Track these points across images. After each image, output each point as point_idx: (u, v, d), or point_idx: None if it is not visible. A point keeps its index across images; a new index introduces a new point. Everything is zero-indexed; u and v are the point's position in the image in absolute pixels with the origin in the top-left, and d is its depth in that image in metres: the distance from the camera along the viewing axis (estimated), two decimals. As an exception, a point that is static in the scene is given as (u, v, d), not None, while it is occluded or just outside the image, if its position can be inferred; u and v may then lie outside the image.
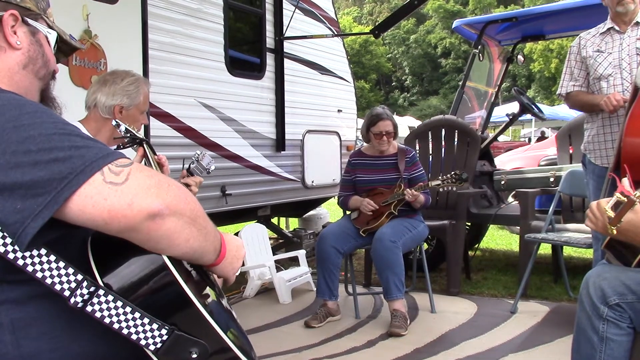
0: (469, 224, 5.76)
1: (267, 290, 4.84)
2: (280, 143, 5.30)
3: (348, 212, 4.27)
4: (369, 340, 3.62)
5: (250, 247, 4.88)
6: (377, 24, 5.70)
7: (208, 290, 1.30)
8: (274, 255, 5.13)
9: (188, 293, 1.09)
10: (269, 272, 4.68)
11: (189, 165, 2.80)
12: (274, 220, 6.40)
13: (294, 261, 5.20)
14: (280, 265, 5.14)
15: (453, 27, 6.29)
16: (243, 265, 4.72)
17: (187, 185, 2.69)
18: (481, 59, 5.86)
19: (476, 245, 5.86)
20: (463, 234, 4.92)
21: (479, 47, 5.75)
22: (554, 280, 4.96)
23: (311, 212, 6.66)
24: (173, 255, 1.08)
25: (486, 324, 3.86)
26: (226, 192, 4.64)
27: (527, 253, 4.37)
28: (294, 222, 7.27)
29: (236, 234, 5.12)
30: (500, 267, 5.73)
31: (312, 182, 5.78)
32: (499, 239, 7.43)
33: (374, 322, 4.02)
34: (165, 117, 4.10)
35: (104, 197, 0.98)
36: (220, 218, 5.00)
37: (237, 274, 1.36)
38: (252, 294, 4.75)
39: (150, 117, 3.92)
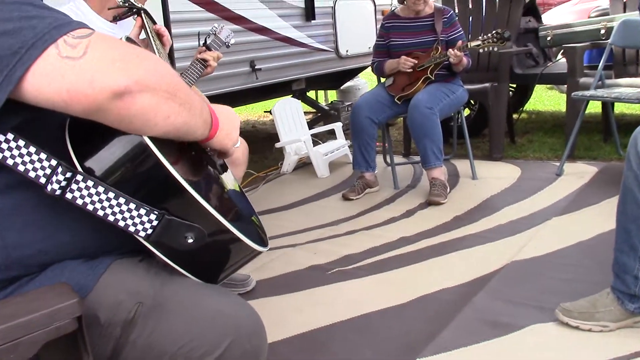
0: (513, 85, 5.48)
1: (305, 165, 4.79)
2: (309, 12, 5.01)
3: (383, 80, 4.08)
4: (407, 210, 3.55)
5: (284, 122, 4.78)
6: None
7: (207, 169, 1.20)
8: (310, 129, 5.02)
9: (174, 174, 0.99)
10: (305, 146, 4.60)
11: (206, 40, 2.65)
12: (310, 94, 6.24)
13: (332, 134, 5.09)
14: (318, 139, 5.04)
15: None
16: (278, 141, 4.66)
17: (205, 61, 2.57)
18: None
19: (521, 108, 5.61)
20: (506, 96, 4.67)
21: None
22: (603, 140, 4.73)
23: (348, 83, 6.46)
24: (153, 135, 0.96)
25: (530, 187, 3.73)
26: (255, 67, 4.46)
27: (574, 112, 4.13)
28: (332, 94, 7.10)
29: (269, 111, 5.02)
30: (546, 129, 5.49)
31: (347, 51, 5.53)
32: (547, 100, 7.12)
33: (413, 191, 3.93)
34: (184, -10, 3.88)
35: (61, 74, 0.85)
36: (252, 95, 4.88)
37: (237, 145, 1.24)
38: (290, 170, 4.71)
39: (168, -9, 3.72)
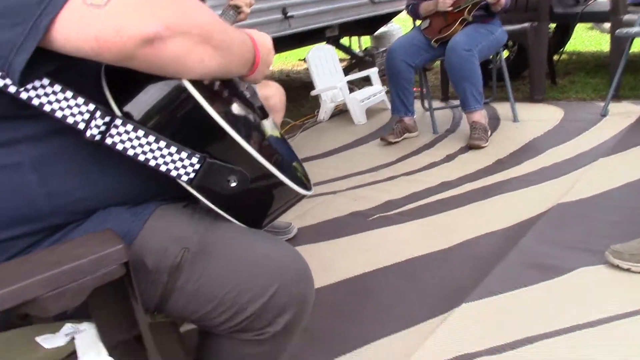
0: (553, 25, 5.28)
1: (342, 113, 4.73)
2: (341, -45, 4.87)
3: (418, 23, 3.95)
4: (447, 155, 3.48)
5: (319, 70, 4.70)
6: None
7: (249, 115, 1.16)
8: (345, 76, 4.93)
9: (214, 116, 0.95)
10: (341, 93, 4.53)
11: (237, -15, 2.59)
12: (344, 40, 6.12)
13: (367, 81, 5.00)
14: (354, 86, 4.96)
15: None
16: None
17: (238, 8, 2.51)
18: None
19: (562, 49, 5.41)
20: (546, 36, 4.50)
21: None
22: (650, 78, 4.56)
23: (382, 29, 6.31)
24: (189, 78, 0.93)
25: (574, 129, 3.61)
26: (288, 14, 4.37)
27: (618, 51, 3.96)
28: (366, 40, 6.96)
29: (304, 59, 4.94)
30: (588, 69, 5.30)
31: (380, -5, 5.38)
32: (588, 40, 6.87)
33: (452, 136, 3.85)
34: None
35: (88, 23, 0.81)
36: (285, 43, 4.79)
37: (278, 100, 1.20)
38: (326, 118, 4.66)
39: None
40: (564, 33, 5.52)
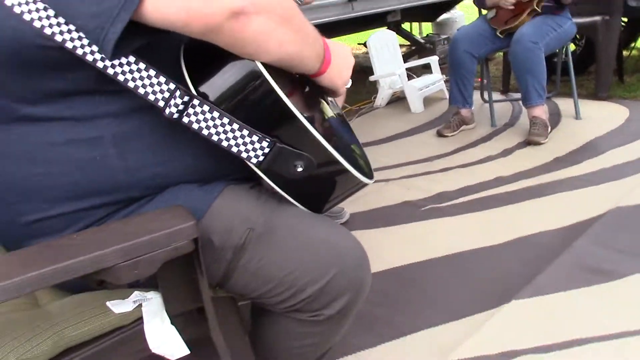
0: (625, 19, 5.11)
1: (399, 100, 4.71)
2: (409, -62, 4.82)
3: (484, 12, 3.89)
4: (505, 149, 3.44)
5: (379, 55, 4.69)
6: None
7: (318, 101, 1.19)
8: (405, 63, 4.90)
9: (287, 102, 0.98)
10: (400, 80, 4.51)
11: (305, -32, 2.60)
12: (406, 26, 6.07)
13: (427, 69, 4.96)
14: (413, 73, 4.93)
15: None
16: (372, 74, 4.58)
17: (305, -11, 2.52)
18: None
19: (632, 44, 5.24)
20: (617, 31, 4.36)
21: None
22: None
23: (444, 16, 6.22)
24: (266, 61, 0.96)
25: (638, 130, 3.51)
26: (352, -2, 4.37)
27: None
28: (428, 27, 6.88)
29: (364, 44, 4.92)
30: (660, 67, 5.13)
31: (445, -19, 5.31)
32: (661, 36, 6.61)
33: (511, 130, 3.80)
34: None
35: None
36: (347, 26, 4.78)
37: (349, 86, 1.22)
38: (383, 104, 4.65)
39: None
40: (635, 28, 5.34)
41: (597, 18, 4.21)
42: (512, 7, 3.57)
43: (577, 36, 4.70)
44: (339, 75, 1.13)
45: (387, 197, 2.88)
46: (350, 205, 2.73)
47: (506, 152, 3.40)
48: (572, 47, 4.80)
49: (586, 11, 4.30)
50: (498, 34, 3.69)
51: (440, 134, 3.77)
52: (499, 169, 3.14)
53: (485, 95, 4.14)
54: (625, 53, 4.95)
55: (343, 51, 1.14)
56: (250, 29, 0.89)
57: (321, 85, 1.14)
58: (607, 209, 2.54)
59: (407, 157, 3.43)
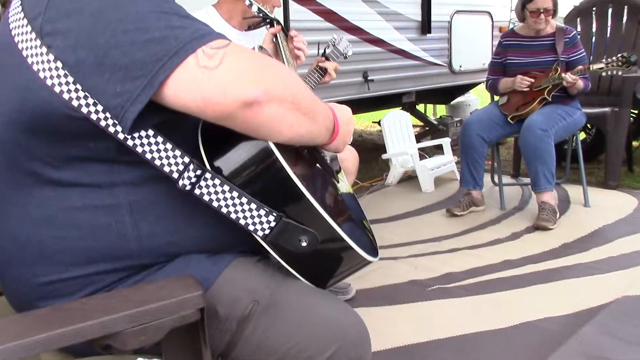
0: (635, 111, 5.21)
1: (410, 178, 4.77)
2: (425, 25, 5.00)
3: (496, 98, 4.00)
4: (513, 233, 3.46)
5: (393, 134, 4.79)
6: None
7: (328, 178, 1.24)
8: (417, 142, 5.00)
9: (295, 180, 1.03)
10: (412, 159, 4.59)
11: (325, 50, 2.71)
12: (420, 107, 6.22)
13: (439, 149, 5.05)
14: (425, 153, 5.01)
15: None
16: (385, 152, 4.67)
17: (324, 70, 2.61)
18: None
19: (642, 135, 5.32)
20: (626, 122, 4.45)
21: None
22: None
23: (459, 99, 6.38)
24: (278, 142, 1.01)
25: (647, 220, 3.54)
26: (368, 78, 4.51)
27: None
28: (441, 109, 7.03)
29: (378, 122, 5.04)
30: (669, 159, 5.18)
31: (460, 66, 5.47)
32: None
33: (520, 214, 3.83)
34: (304, 1, 3.98)
35: (197, 83, 0.91)
36: (363, 104, 4.91)
37: (349, 142, 1.28)
38: (395, 182, 4.71)
39: (290, 1, 3.83)
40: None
41: (607, 109, 4.31)
42: (526, 89, 3.67)
43: (588, 125, 4.79)
44: (342, 143, 1.19)
45: (394, 275, 2.89)
46: (357, 282, 2.74)
47: (514, 236, 3.42)
48: (582, 135, 4.89)
49: (596, 102, 4.41)
50: (509, 119, 3.78)
51: (450, 212, 3.81)
52: (507, 252, 3.16)
53: (496, 179, 4.19)
54: (635, 143, 5.03)
55: (347, 118, 1.20)
56: (262, 116, 0.95)
57: (326, 150, 1.19)
58: (614, 298, 2.54)
59: (416, 236, 3.46)
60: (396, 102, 5.32)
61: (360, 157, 2.54)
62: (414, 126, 5.63)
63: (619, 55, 3.49)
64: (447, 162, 4.75)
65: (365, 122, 7.87)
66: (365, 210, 1.42)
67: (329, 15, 4.18)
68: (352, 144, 2.49)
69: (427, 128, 6.06)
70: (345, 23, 4.30)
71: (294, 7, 3.87)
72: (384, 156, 4.72)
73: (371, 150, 5.67)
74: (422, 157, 4.79)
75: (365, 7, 4.47)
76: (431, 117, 6.41)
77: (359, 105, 4.93)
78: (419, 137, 5.51)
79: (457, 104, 6.50)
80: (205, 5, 2.51)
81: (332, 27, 4.17)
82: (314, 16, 4.07)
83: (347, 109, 1.23)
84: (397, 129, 4.86)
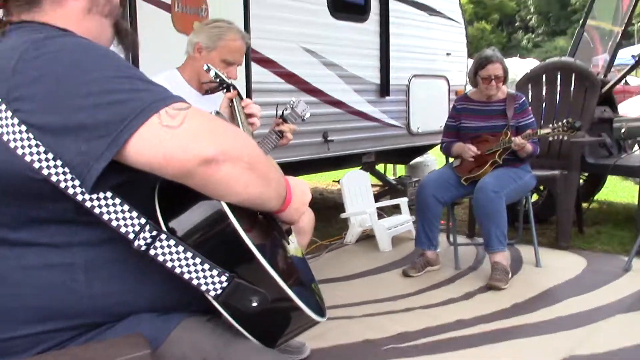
0: (586, 174, 5.42)
1: (368, 237, 4.84)
2: (384, 88, 5.19)
3: (451, 160, 4.14)
4: (466, 292, 3.53)
5: (352, 194, 4.87)
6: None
7: (279, 240, 1.29)
8: (376, 202, 5.10)
9: (247, 242, 1.08)
10: (370, 219, 4.66)
11: (282, 112, 2.79)
12: (379, 167, 6.35)
13: (397, 209, 5.15)
14: (383, 213, 5.10)
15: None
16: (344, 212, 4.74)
17: (282, 133, 2.68)
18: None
19: (592, 197, 5.52)
20: (576, 185, 4.63)
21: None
22: (678, 238, 4.59)
23: (417, 159, 6.55)
24: (232, 202, 1.07)
25: (595, 281, 3.65)
26: (328, 139, 4.63)
27: (647, 207, 4.05)
28: (401, 169, 7.18)
29: (338, 181, 5.13)
30: (617, 221, 5.37)
31: (418, 128, 5.65)
32: (621, 191, 6.95)
33: (474, 273, 3.91)
34: (266, 63, 4.11)
35: (160, 141, 0.98)
36: (323, 164, 5.02)
37: (307, 223, 1.33)
38: (353, 241, 4.77)
39: (252, 63, 3.95)
40: (595, 183, 5.64)
41: (557, 172, 4.48)
42: (472, 159, 3.82)
43: (540, 187, 4.95)
44: (297, 212, 1.25)
45: (349, 335, 2.91)
46: (312, 341, 2.76)
47: (468, 296, 3.49)
48: (534, 197, 5.05)
49: (547, 165, 4.59)
50: (462, 181, 3.91)
51: (405, 274, 3.87)
52: (460, 312, 3.22)
53: (451, 238, 4.29)
54: (585, 205, 5.20)
55: (302, 188, 1.27)
56: (219, 174, 1.01)
57: (280, 219, 1.24)
58: (561, 358, 2.60)
59: (372, 295, 3.50)
60: (356, 161, 5.44)
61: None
62: (373, 185, 5.74)
63: (564, 121, 3.66)
64: (404, 221, 4.84)
65: (326, 180, 7.97)
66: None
67: (290, 77, 4.31)
68: (313, 203, 2.56)
69: (386, 187, 6.18)
70: (306, 85, 4.43)
71: (255, 69, 3.99)
72: (343, 215, 4.80)
73: (331, 209, 5.74)
74: (380, 217, 4.88)
75: (326, 70, 4.62)
76: (390, 177, 6.55)
77: (319, 165, 5.04)
78: (377, 197, 5.61)
79: (416, 164, 6.65)
80: (169, 68, 2.59)
81: (293, 89, 4.30)
82: (275, 78, 4.19)
83: (303, 182, 1.30)
84: (356, 189, 4.95)
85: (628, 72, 6.03)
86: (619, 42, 5.79)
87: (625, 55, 8.09)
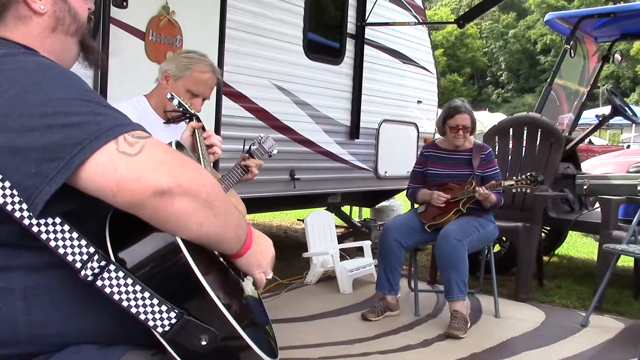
0: (547, 228, 5.49)
1: (330, 278, 4.79)
2: (354, 131, 5.23)
3: (416, 206, 4.15)
4: (425, 340, 3.50)
5: (315, 233, 4.84)
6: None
7: (235, 279, 1.25)
8: (339, 243, 5.07)
9: (199, 278, 1.04)
10: (332, 260, 4.63)
11: (250, 147, 2.78)
12: (345, 208, 6.34)
13: (360, 251, 5.12)
14: (346, 254, 5.08)
15: (545, 20, 6.01)
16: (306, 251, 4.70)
17: (247, 168, 2.66)
18: (572, 55, 5.56)
19: (553, 251, 5.58)
20: (537, 238, 4.68)
21: (571, 43, 5.44)
22: (634, 296, 4.65)
23: (383, 203, 6.57)
24: (185, 238, 1.03)
25: (552, 335, 3.65)
26: (295, 177, 4.62)
27: (605, 264, 4.10)
28: (367, 211, 7.19)
29: (302, 220, 5.10)
30: (577, 276, 5.43)
31: (385, 172, 5.68)
32: (581, 247, 7.06)
33: (433, 321, 3.89)
34: (238, 97, 4.11)
35: (114, 167, 0.95)
36: (288, 202, 5.00)
37: (269, 277, 1.28)
38: (314, 281, 4.72)
39: (223, 97, 3.94)
40: (556, 237, 5.72)
41: (519, 224, 4.53)
42: (442, 205, 3.84)
43: (503, 238, 5.00)
44: (257, 263, 1.20)
45: (303, 377, 2.86)
46: (265, 382, 2.68)
47: (426, 343, 3.45)
48: (497, 247, 5.08)
49: (510, 216, 4.64)
50: (426, 227, 3.92)
51: (364, 318, 3.83)
52: (417, 359, 3.18)
53: (412, 284, 4.27)
54: (545, 258, 5.26)
55: (265, 242, 1.23)
56: (172, 208, 0.97)
57: (237, 266, 1.21)
58: (516, 412, 2.58)
59: (329, 338, 3.44)
60: (322, 201, 5.43)
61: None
62: (338, 227, 5.72)
63: (528, 174, 3.72)
64: (366, 264, 4.81)
65: (291, 218, 7.93)
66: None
67: (260, 113, 4.31)
68: (276, 241, 2.52)
69: (350, 229, 6.16)
70: (276, 122, 4.44)
71: (226, 102, 3.98)
72: (305, 254, 4.75)
73: (294, 248, 5.69)
74: (343, 258, 4.84)
75: (297, 108, 4.65)
76: (355, 219, 6.54)
77: (284, 203, 5.01)
78: (341, 238, 5.59)
79: (382, 208, 6.67)
80: (137, 94, 2.56)
81: (263, 125, 4.30)
82: (245, 113, 4.19)
83: (267, 238, 1.25)
84: (320, 229, 4.92)
85: (592, 132, 6.19)
86: (584, 103, 5.96)
87: (590, 116, 8.34)
